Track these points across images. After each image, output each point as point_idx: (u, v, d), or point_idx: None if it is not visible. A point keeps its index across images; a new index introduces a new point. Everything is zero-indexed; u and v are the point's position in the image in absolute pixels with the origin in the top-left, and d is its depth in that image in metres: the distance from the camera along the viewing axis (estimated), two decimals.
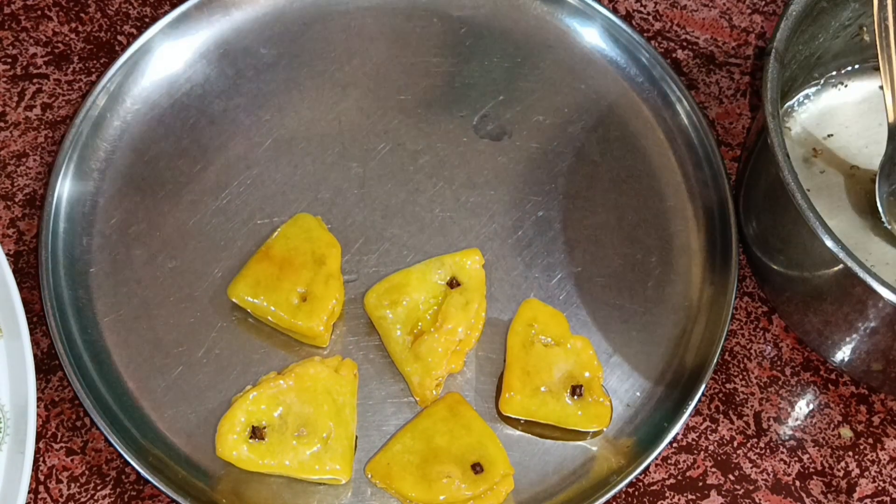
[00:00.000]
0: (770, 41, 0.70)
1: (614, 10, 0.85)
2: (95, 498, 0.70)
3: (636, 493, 0.71)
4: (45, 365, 0.73)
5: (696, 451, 0.73)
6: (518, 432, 0.71)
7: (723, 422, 0.74)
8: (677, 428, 0.71)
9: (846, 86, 0.81)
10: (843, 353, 0.72)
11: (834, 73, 0.81)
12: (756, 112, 0.83)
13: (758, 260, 0.76)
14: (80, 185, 0.76)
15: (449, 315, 0.71)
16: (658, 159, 0.80)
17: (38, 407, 0.70)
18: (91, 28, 0.83)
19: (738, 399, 0.74)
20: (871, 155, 0.78)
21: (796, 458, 0.73)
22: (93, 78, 0.81)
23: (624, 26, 0.82)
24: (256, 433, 0.68)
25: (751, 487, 0.72)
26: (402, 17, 0.83)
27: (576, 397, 0.71)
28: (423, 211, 0.77)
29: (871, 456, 0.73)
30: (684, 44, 0.85)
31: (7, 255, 0.75)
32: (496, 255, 0.76)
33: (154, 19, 0.82)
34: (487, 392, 0.72)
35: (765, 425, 0.74)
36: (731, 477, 0.72)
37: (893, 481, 0.73)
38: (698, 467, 0.72)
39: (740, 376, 0.75)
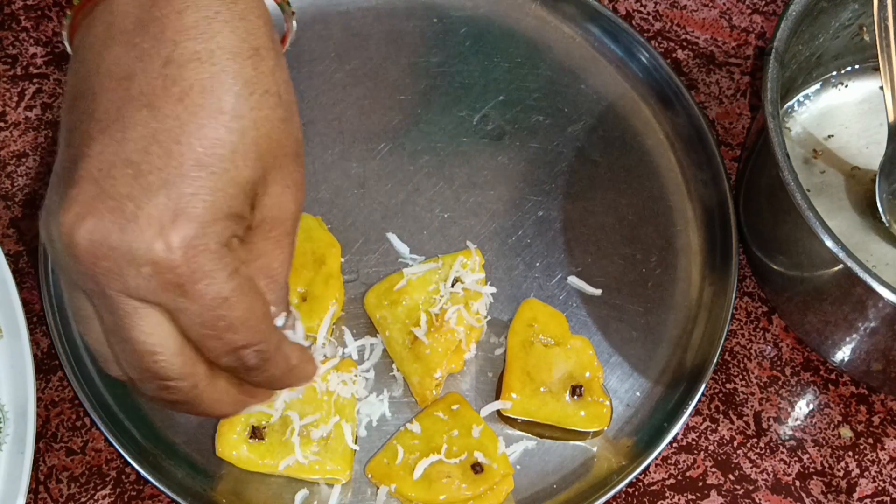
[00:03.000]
0: (770, 41, 0.70)
1: (614, 10, 0.85)
2: (95, 498, 0.70)
3: (636, 493, 0.71)
4: (45, 365, 0.73)
5: (696, 451, 0.73)
6: (518, 432, 0.71)
7: (723, 422, 0.74)
8: (677, 428, 0.71)
9: (846, 86, 0.81)
10: (843, 353, 0.72)
11: (834, 73, 0.81)
12: (756, 112, 0.83)
13: (758, 260, 0.76)
14: None
15: (449, 315, 0.71)
16: (658, 159, 0.80)
17: (38, 407, 0.70)
18: None
19: (738, 399, 0.74)
20: (871, 155, 0.78)
21: (796, 458, 0.73)
22: None
23: (624, 26, 0.82)
24: (256, 433, 0.68)
25: (751, 487, 0.72)
26: (402, 17, 0.83)
27: (576, 397, 0.71)
28: (423, 211, 0.77)
29: (871, 456, 0.73)
30: (684, 44, 0.85)
31: (7, 255, 0.75)
32: (496, 255, 0.76)
33: None
34: (487, 392, 0.72)
35: (765, 425, 0.74)
36: (731, 477, 0.72)
37: (893, 481, 0.73)
38: (698, 467, 0.72)
39: (740, 376, 0.75)
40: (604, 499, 0.69)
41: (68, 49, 0.56)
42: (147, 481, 0.68)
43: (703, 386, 0.72)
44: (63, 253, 0.50)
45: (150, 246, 0.49)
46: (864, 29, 0.78)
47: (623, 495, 0.71)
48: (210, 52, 0.51)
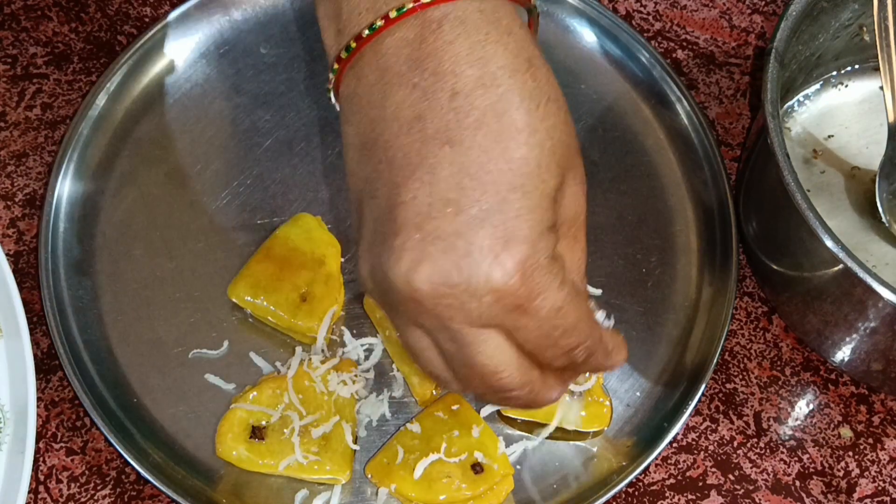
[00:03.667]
0: (770, 41, 0.70)
1: (614, 10, 0.85)
2: (95, 498, 0.70)
3: (636, 493, 0.71)
4: (45, 365, 0.73)
5: (696, 451, 0.73)
6: (518, 432, 0.71)
7: (723, 422, 0.74)
8: (677, 428, 0.71)
9: (846, 86, 0.81)
10: (843, 353, 0.72)
11: (834, 73, 0.81)
12: (756, 112, 0.83)
13: (758, 260, 0.76)
14: (80, 185, 0.76)
15: None
16: (658, 159, 0.80)
17: (38, 407, 0.70)
18: (91, 28, 0.83)
19: (738, 399, 0.74)
20: (871, 155, 0.78)
21: (796, 458, 0.73)
22: (93, 78, 0.81)
23: (624, 26, 0.82)
24: (256, 433, 0.68)
25: (751, 487, 0.72)
26: None
27: (576, 397, 0.71)
28: None
29: (871, 456, 0.73)
30: (684, 44, 0.85)
31: (7, 255, 0.75)
32: None
33: (154, 19, 0.82)
34: None
35: (765, 425, 0.74)
36: (731, 477, 0.72)
37: (893, 481, 0.73)
38: (698, 467, 0.72)
39: (740, 376, 0.75)
40: (604, 499, 0.69)
41: (334, 103, 0.57)
42: (147, 481, 0.68)
43: (703, 386, 0.72)
44: (403, 299, 0.52)
45: (489, 276, 0.50)
46: (864, 29, 0.78)
47: (623, 495, 0.71)
48: (492, 76, 0.51)
